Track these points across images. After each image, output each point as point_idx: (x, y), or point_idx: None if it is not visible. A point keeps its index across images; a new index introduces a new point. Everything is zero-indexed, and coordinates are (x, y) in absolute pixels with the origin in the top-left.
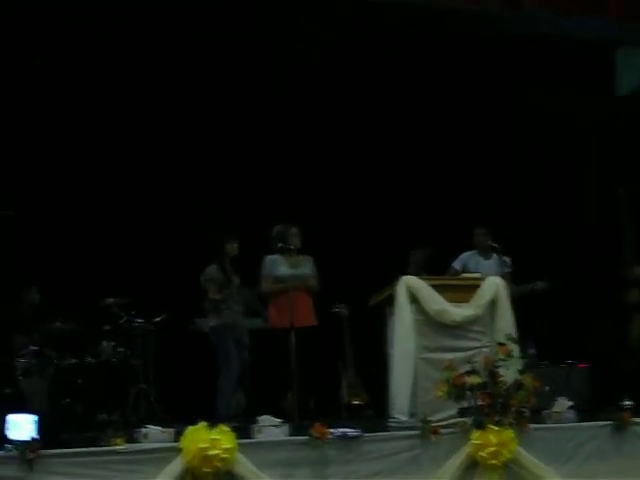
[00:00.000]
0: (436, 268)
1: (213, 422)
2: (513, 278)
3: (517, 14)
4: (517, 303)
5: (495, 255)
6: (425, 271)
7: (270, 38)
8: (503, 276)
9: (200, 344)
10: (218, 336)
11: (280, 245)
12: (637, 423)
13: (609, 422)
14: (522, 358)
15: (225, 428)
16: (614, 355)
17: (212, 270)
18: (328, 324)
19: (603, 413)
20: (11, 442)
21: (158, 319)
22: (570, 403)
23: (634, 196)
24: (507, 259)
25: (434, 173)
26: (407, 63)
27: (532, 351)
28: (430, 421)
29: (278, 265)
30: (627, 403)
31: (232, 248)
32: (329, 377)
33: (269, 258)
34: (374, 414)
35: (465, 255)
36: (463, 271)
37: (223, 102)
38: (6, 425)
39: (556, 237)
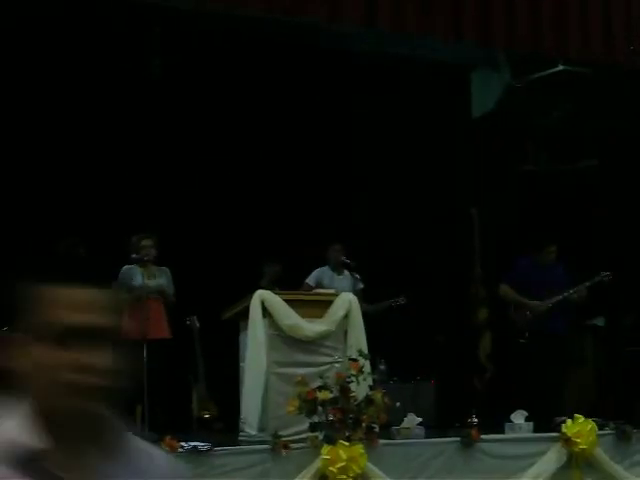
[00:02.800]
0: (289, 282)
1: None
2: (366, 295)
3: (372, 33)
4: (370, 319)
5: (347, 272)
6: (278, 285)
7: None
8: (356, 292)
9: None
10: None
11: (135, 256)
12: (484, 440)
13: (457, 438)
14: (373, 374)
15: None
16: (463, 372)
17: None
18: (180, 336)
19: (451, 429)
20: None
21: None
22: (419, 419)
23: (486, 217)
24: (359, 276)
25: (287, 187)
26: (257, 77)
27: (383, 367)
28: (281, 436)
29: (132, 275)
30: (474, 420)
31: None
32: (180, 390)
33: (124, 268)
34: (224, 428)
35: (318, 271)
36: (316, 287)
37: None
38: None
39: (409, 255)
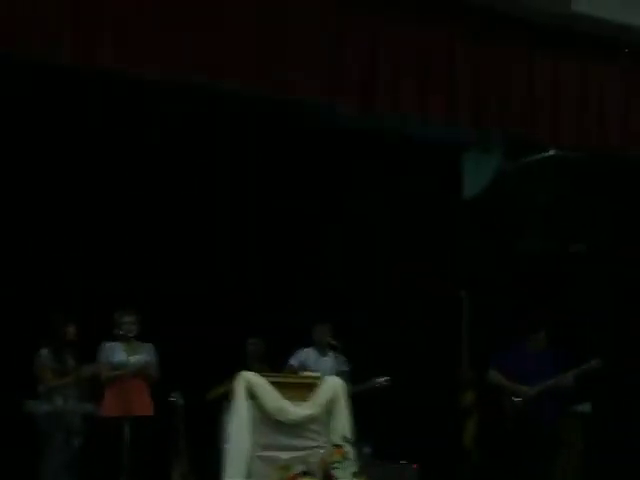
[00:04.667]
0: (274, 363)
1: None
2: (350, 377)
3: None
4: (355, 400)
5: (332, 353)
6: (263, 361)
7: None
8: (341, 374)
9: (26, 428)
10: (47, 422)
11: (117, 332)
12: None
13: None
14: (357, 460)
15: None
16: (447, 456)
17: (46, 354)
18: (164, 414)
19: None
20: None
21: None
22: None
23: (474, 300)
24: (345, 358)
25: (274, 265)
26: (250, 152)
27: (367, 450)
28: None
29: (115, 351)
30: None
31: (69, 332)
32: (161, 468)
33: (107, 345)
34: None
35: (303, 351)
36: (300, 367)
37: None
38: None
39: (398, 336)
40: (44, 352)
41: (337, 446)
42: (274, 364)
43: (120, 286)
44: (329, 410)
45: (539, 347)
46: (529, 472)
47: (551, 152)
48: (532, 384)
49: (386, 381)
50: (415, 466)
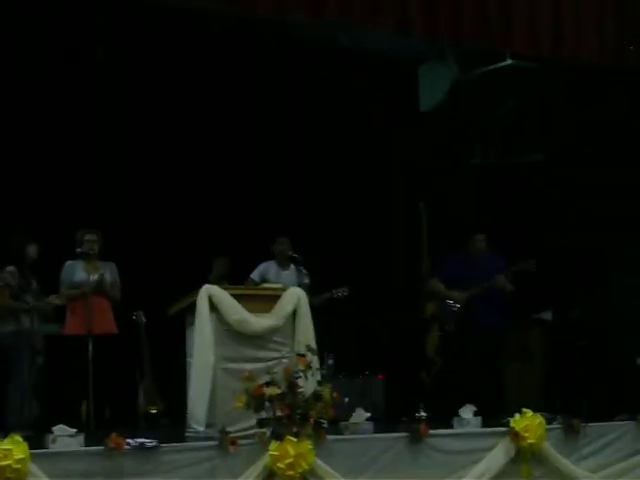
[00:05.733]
0: (237, 277)
1: (3, 432)
2: (311, 290)
3: (320, 25)
4: (317, 313)
5: (293, 266)
6: (227, 279)
7: None
8: (302, 287)
9: None
10: (13, 342)
11: (78, 250)
12: (432, 435)
13: (405, 434)
14: (321, 369)
15: (17, 438)
16: (411, 366)
17: (8, 274)
18: (127, 331)
19: (400, 425)
20: None
21: None
22: (367, 414)
23: (434, 211)
24: (305, 270)
25: (235, 180)
26: (204, 68)
27: (330, 362)
28: (228, 432)
29: (76, 271)
30: (422, 415)
31: (32, 251)
32: (126, 386)
33: (68, 263)
34: (171, 424)
35: (263, 265)
36: (261, 281)
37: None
38: None
39: (356, 249)
40: (7, 272)
41: (301, 356)
42: (237, 279)
43: (83, 204)
44: (292, 321)
45: (480, 251)
46: (481, 380)
47: (508, 62)
48: (470, 288)
49: (344, 291)
50: (380, 376)
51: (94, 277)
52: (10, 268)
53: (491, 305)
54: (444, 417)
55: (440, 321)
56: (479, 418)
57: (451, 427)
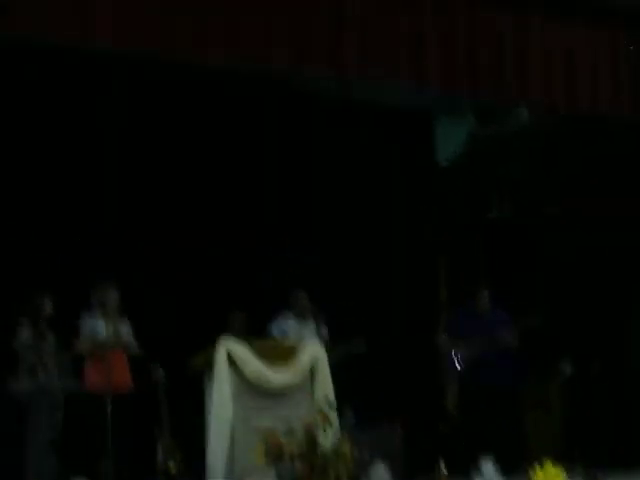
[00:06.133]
0: (254, 331)
1: None
2: (330, 343)
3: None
4: (336, 367)
5: (312, 320)
6: (245, 333)
7: None
8: (321, 340)
9: (9, 408)
10: (31, 400)
11: (98, 305)
12: None
13: None
14: (340, 425)
15: None
16: (430, 419)
17: (25, 331)
18: (145, 387)
19: (419, 478)
20: None
21: None
22: (387, 469)
23: (452, 265)
24: (324, 325)
25: (251, 236)
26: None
27: (350, 417)
28: None
29: (96, 325)
30: (443, 468)
31: (45, 306)
32: (145, 442)
33: (88, 318)
34: (190, 479)
35: (281, 318)
36: (281, 335)
37: None
38: None
39: (375, 302)
40: (24, 329)
41: (320, 412)
42: (254, 332)
43: (97, 259)
44: (311, 376)
45: (484, 307)
46: (501, 434)
47: (524, 116)
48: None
49: (361, 346)
50: (400, 429)
51: (115, 332)
52: (23, 327)
53: (499, 364)
54: (464, 469)
55: (447, 375)
56: (498, 469)
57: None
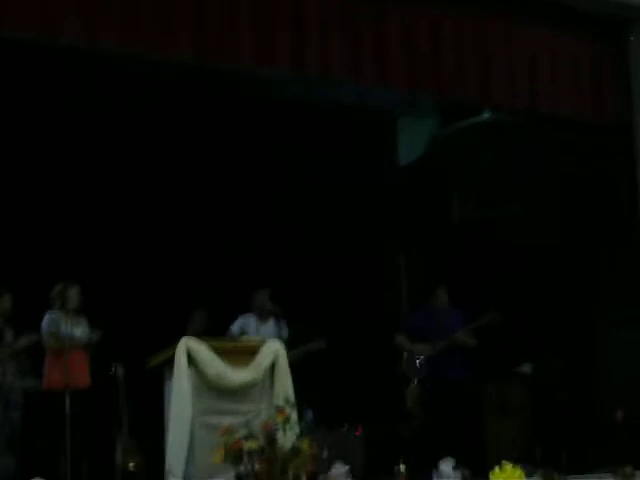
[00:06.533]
0: (215, 331)
1: None
2: (290, 343)
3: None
4: (296, 367)
5: (273, 318)
6: (205, 333)
7: None
8: (282, 340)
9: None
10: None
11: (60, 303)
12: None
13: None
14: (299, 423)
15: None
16: (390, 420)
17: None
18: (104, 385)
19: (378, 479)
20: None
21: None
22: (346, 468)
23: (413, 265)
24: (284, 324)
25: (212, 232)
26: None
27: (309, 416)
28: None
29: (59, 323)
30: (401, 468)
31: (4, 302)
32: (104, 441)
33: (49, 317)
34: (148, 478)
35: (242, 318)
36: (241, 334)
37: None
38: None
39: (334, 301)
40: None
41: (279, 409)
42: (215, 332)
43: (57, 255)
44: (270, 374)
45: (442, 305)
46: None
47: (485, 116)
48: (437, 340)
49: (321, 345)
50: (358, 431)
51: (77, 331)
52: None
53: (454, 359)
54: (424, 470)
55: (406, 375)
56: (459, 471)
57: None
